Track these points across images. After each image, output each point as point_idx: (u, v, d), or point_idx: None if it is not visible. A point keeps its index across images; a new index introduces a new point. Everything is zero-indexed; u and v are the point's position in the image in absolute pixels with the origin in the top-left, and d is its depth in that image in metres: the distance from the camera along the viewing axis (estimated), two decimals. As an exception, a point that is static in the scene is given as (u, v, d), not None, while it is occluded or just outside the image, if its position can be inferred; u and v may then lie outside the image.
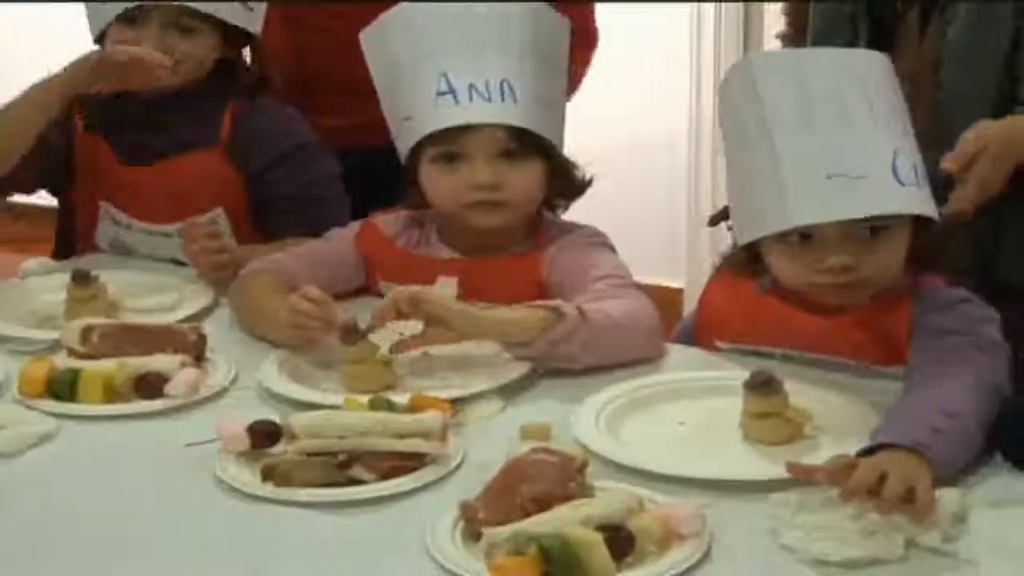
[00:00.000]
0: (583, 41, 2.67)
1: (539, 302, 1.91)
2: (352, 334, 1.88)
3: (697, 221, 4.23)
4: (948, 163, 1.88)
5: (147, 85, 2.31)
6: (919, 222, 1.81)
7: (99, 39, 2.40)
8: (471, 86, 2.01)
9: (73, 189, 2.50)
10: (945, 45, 2.07)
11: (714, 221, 2.17)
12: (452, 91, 2.02)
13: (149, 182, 2.39)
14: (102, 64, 2.29)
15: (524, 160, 2.05)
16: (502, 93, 2.02)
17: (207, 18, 2.35)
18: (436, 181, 2.08)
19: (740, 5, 4.13)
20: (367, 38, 2.14)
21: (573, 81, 2.57)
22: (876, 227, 1.77)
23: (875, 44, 2.07)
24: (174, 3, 2.33)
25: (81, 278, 2.18)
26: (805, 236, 1.78)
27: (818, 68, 1.81)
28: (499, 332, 1.87)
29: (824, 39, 2.17)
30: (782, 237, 1.80)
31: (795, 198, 1.76)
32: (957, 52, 2.06)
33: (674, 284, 4.25)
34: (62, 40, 2.50)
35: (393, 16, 2.10)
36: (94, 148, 2.43)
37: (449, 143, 2.04)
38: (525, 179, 2.06)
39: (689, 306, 4.21)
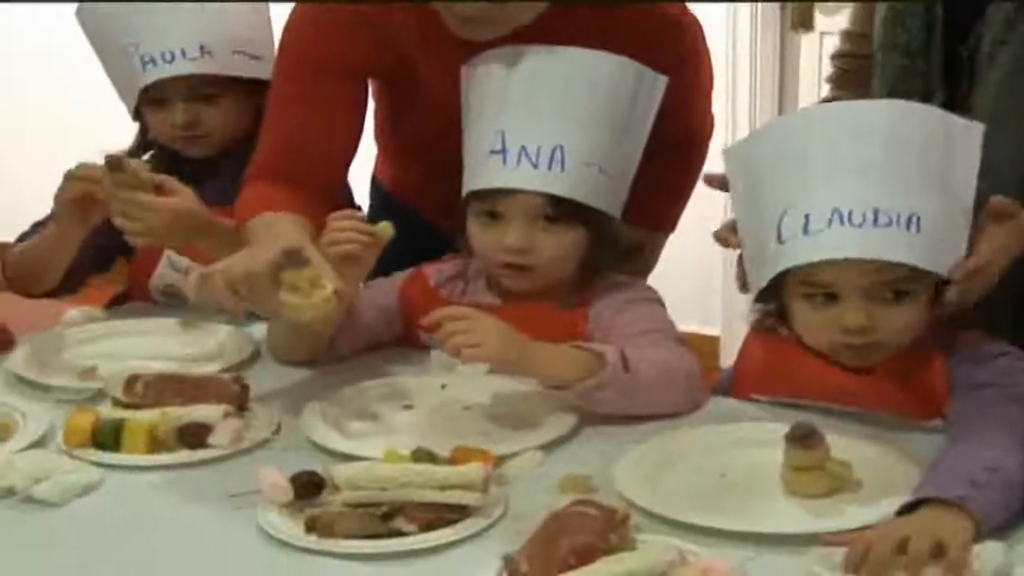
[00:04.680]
0: (684, 143, 2.38)
1: (585, 344, 1.92)
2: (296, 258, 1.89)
3: (732, 269, 4.23)
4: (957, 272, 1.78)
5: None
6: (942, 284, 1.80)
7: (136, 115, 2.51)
8: (523, 148, 2.01)
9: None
10: (981, 105, 2.03)
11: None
12: (504, 151, 2.03)
13: None
14: None
15: (561, 226, 2.05)
16: (551, 160, 2.00)
17: (228, 83, 2.42)
18: (476, 235, 2.11)
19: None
20: (468, 69, 2.12)
21: (675, 192, 2.45)
22: (899, 291, 1.78)
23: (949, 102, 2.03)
24: (183, 75, 2.38)
25: (115, 164, 2.19)
26: (830, 296, 1.80)
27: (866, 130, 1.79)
28: (546, 368, 1.88)
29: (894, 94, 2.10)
30: (807, 295, 1.81)
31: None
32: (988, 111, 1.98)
33: (710, 332, 4.26)
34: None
35: (476, 63, 2.10)
36: None
37: (491, 202, 2.07)
38: (558, 246, 2.06)
39: (725, 354, 4.23)
